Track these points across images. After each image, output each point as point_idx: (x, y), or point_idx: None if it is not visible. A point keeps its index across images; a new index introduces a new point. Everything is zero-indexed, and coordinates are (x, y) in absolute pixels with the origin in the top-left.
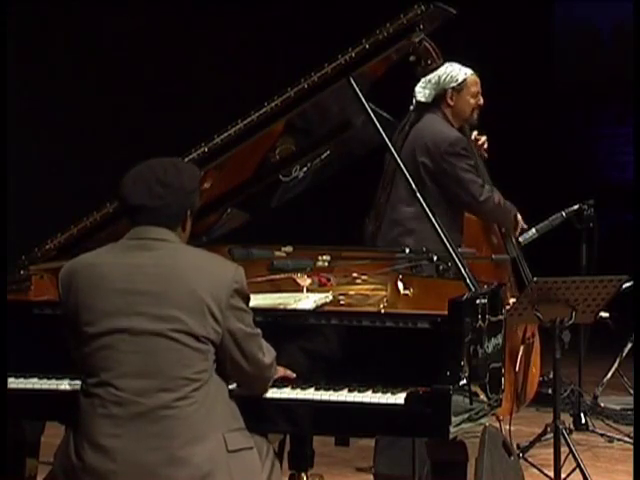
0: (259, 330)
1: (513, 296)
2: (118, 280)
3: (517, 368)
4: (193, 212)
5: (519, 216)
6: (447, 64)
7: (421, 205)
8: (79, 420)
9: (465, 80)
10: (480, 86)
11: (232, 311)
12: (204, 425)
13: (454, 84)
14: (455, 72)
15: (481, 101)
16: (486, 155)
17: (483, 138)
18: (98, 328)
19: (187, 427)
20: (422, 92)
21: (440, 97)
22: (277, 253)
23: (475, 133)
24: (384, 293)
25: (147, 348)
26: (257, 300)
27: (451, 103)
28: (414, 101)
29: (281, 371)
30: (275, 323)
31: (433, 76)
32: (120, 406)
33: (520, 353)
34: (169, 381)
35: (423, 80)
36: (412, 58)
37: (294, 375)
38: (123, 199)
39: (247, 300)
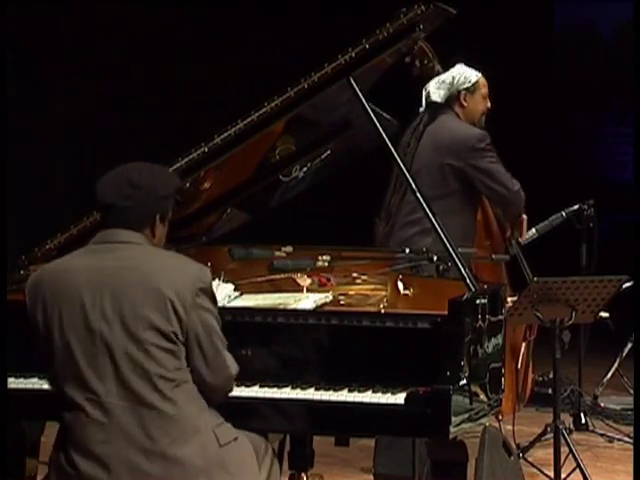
0: (225, 341)
1: (509, 296)
2: (84, 285)
3: (519, 365)
4: (165, 218)
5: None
6: (458, 65)
7: (420, 204)
8: (67, 431)
9: (477, 81)
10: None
11: (197, 310)
12: (192, 422)
13: (467, 85)
14: (468, 73)
15: (489, 104)
16: None
17: None
18: (68, 336)
19: (175, 425)
20: (436, 92)
21: (453, 98)
22: (277, 253)
23: None
24: (384, 293)
25: (119, 350)
26: (257, 300)
27: (464, 104)
28: (424, 101)
29: None
30: (275, 323)
31: (447, 76)
32: (105, 412)
33: (522, 351)
34: (147, 381)
35: (437, 80)
36: (407, 59)
37: None
38: (96, 198)
39: (214, 300)
